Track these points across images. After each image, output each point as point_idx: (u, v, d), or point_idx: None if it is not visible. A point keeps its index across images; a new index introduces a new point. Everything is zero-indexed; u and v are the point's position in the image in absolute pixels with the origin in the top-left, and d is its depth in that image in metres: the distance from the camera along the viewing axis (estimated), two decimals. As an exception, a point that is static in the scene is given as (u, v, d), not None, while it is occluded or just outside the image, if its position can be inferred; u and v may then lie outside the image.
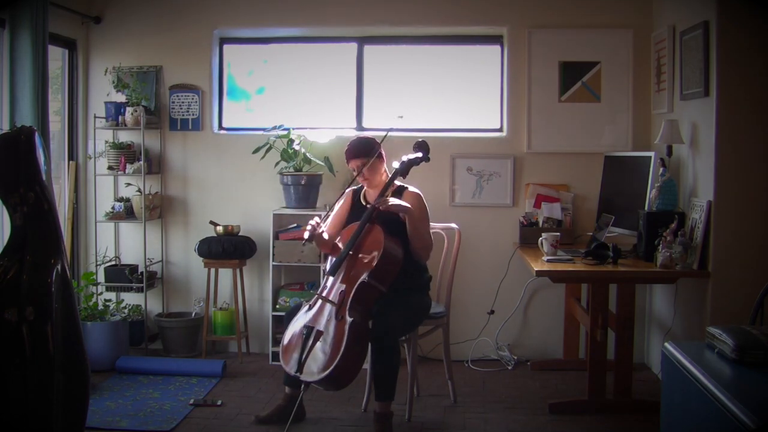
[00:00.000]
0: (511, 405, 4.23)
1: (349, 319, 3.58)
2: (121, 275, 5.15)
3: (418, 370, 4.20)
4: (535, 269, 3.99)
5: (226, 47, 5.40)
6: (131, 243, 5.33)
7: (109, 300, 5.11)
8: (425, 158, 3.97)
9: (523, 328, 5.12)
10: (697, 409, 2.09)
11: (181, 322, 5.14)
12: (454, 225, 4.35)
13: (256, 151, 4.99)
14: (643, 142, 4.93)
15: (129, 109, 5.10)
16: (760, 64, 3.87)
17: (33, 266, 2.97)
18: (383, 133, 4.13)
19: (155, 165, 5.29)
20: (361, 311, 3.65)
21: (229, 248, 4.95)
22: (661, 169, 4.21)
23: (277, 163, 5.03)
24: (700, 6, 4.07)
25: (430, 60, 5.33)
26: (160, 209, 5.31)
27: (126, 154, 5.18)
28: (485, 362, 5.03)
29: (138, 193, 5.16)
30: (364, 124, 5.30)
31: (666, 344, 2.41)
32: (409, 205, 3.82)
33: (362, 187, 4.10)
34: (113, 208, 5.19)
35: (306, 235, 3.81)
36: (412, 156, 3.94)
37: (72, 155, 5.28)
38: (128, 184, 5.26)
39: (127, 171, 5.15)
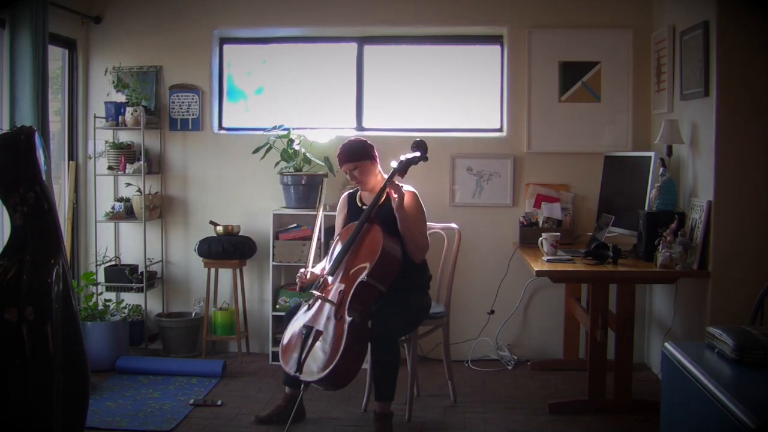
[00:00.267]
0: (511, 405, 4.23)
1: (348, 319, 3.57)
2: (121, 275, 5.15)
3: (418, 370, 4.20)
4: (535, 269, 3.99)
5: (226, 47, 5.40)
6: (131, 243, 5.34)
7: (109, 300, 5.11)
8: (423, 157, 3.97)
9: (523, 328, 5.12)
10: (697, 409, 2.09)
11: (181, 322, 5.14)
12: (454, 225, 4.35)
13: (256, 151, 4.99)
14: (643, 142, 4.93)
15: (129, 109, 5.10)
16: (760, 64, 3.87)
17: (33, 266, 2.97)
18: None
19: (155, 165, 5.29)
20: (360, 311, 3.65)
21: (229, 248, 4.95)
22: (661, 169, 4.21)
23: (277, 163, 5.03)
24: (700, 6, 4.07)
25: (430, 60, 5.33)
26: (160, 209, 5.31)
27: (126, 154, 5.18)
28: (485, 362, 5.03)
29: (138, 193, 5.16)
30: (364, 124, 5.30)
31: (666, 344, 2.41)
32: (403, 201, 3.81)
33: (357, 189, 4.10)
34: (113, 208, 5.19)
35: (297, 289, 3.93)
36: (410, 155, 3.95)
37: (72, 155, 5.28)
38: (128, 184, 5.26)
39: (127, 171, 5.15)
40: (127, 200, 5.23)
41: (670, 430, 2.36)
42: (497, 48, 5.20)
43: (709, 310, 3.95)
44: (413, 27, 5.19)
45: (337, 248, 3.93)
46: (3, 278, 2.93)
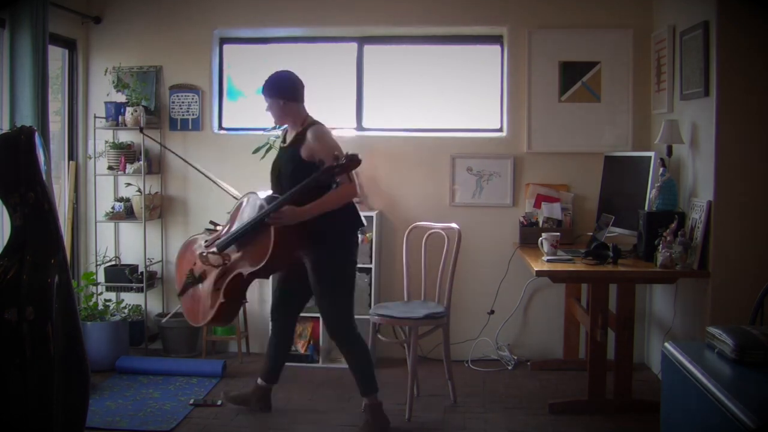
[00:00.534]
0: (511, 405, 4.23)
1: (221, 299, 3.69)
2: (121, 275, 5.15)
3: (418, 370, 4.19)
4: (535, 269, 3.99)
5: (225, 47, 5.40)
6: (131, 243, 5.34)
7: (109, 300, 5.11)
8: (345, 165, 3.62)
9: (523, 328, 5.12)
10: (697, 409, 2.09)
11: (181, 322, 5.12)
12: (454, 225, 4.35)
13: (256, 151, 4.99)
14: (643, 142, 4.93)
15: (129, 109, 5.10)
16: (760, 64, 3.87)
17: (33, 266, 2.97)
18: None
19: (155, 165, 5.29)
20: (236, 294, 3.78)
21: (229, 248, 4.94)
22: (661, 169, 4.21)
23: (277, 163, 5.02)
24: (700, 6, 4.07)
25: (430, 60, 5.33)
26: (160, 209, 5.31)
27: (126, 154, 5.18)
28: (485, 362, 5.03)
29: (138, 193, 5.16)
30: (364, 124, 5.30)
31: (666, 344, 2.41)
32: (289, 214, 3.56)
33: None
34: (113, 208, 5.19)
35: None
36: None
37: (72, 155, 5.28)
38: (128, 184, 5.26)
39: (127, 171, 5.15)
40: (127, 200, 5.23)
41: (670, 430, 2.36)
42: (497, 48, 5.20)
43: (709, 310, 3.95)
44: (413, 27, 5.19)
45: (235, 222, 3.86)
46: (3, 278, 2.93)
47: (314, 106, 5.31)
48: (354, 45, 5.29)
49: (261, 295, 5.24)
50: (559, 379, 4.69)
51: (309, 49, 5.40)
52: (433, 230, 4.41)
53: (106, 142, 5.23)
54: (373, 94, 5.31)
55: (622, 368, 4.06)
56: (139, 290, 5.15)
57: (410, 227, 4.51)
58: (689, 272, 3.97)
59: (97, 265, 5.23)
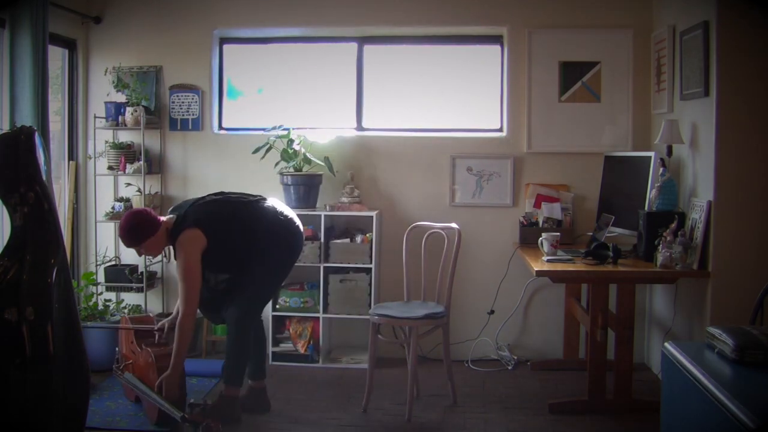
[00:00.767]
0: (511, 405, 4.23)
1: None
2: (121, 275, 5.15)
3: (418, 370, 4.19)
4: (535, 269, 3.99)
5: (225, 47, 5.40)
6: (131, 243, 5.33)
7: (109, 300, 5.11)
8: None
9: (523, 328, 5.12)
10: (697, 409, 2.09)
11: (181, 322, 5.13)
12: (454, 225, 4.35)
13: (256, 151, 4.99)
14: (643, 142, 4.93)
15: (129, 109, 5.10)
16: (760, 64, 3.87)
17: (33, 266, 2.98)
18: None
19: (155, 165, 5.29)
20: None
21: (229, 248, 4.94)
22: (661, 169, 4.21)
23: (277, 163, 5.03)
24: (700, 6, 4.07)
25: (430, 60, 5.33)
26: (160, 209, 5.30)
27: (126, 154, 5.19)
28: (485, 362, 5.03)
29: (138, 193, 5.16)
30: (364, 124, 5.30)
31: (666, 344, 2.41)
32: (173, 383, 3.75)
33: None
34: (113, 208, 5.19)
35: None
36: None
37: (72, 155, 5.28)
38: (128, 184, 5.26)
39: (127, 171, 5.15)
40: (127, 200, 5.23)
41: (670, 430, 2.36)
42: (497, 48, 5.20)
43: (709, 310, 3.95)
44: (413, 27, 5.19)
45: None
46: (3, 278, 2.93)
47: (314, 107, 5.36)
48: (354, 45, 5.29)
49: (261, 295, 5.24)
50: (559, 379, 4.69)
51: (309, 49, 5.40)
52: (433, 230, 4.41)
53: (106, 142, 5.24)
54: (373, 94, 5.31)
55: (622, 368, 4.06)
56: (139, 290, 5.14)
57: (410, 227, 4.51)
58: (689, 272, 3.97)
59: (97, 265, 5.23)
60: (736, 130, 3.90)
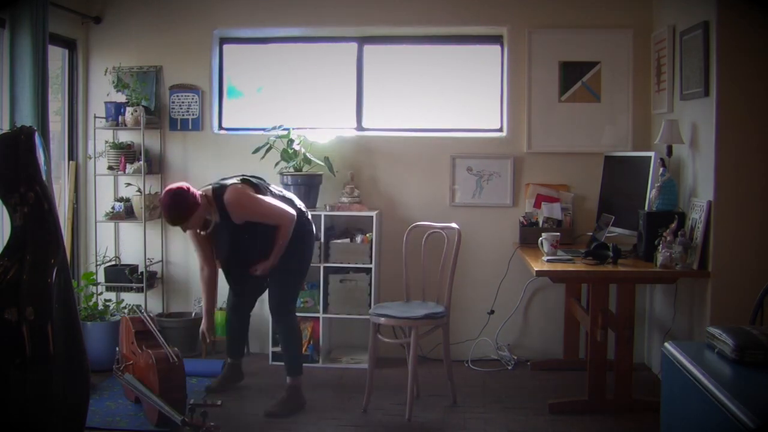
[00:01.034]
0: (511, 405, 4.23)
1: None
2: (121, 275, 5.15)
3: (418, 370, 4.19)
4: (535, 269, 3.99)
5: (225, 47, 5.40)
6: (131, 243, 5.33)
7: (109, 300, 5.11)
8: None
9: (523, 328, 5.12)
10: (697, 409, 2.09)
11: (181, 322, 5.14)
12: (454, 225, 4.35)
13: (256, 151, 4.99)
14: (643, 142, 4.93)
15: (129, 109, 5.10)
16: (760, 64, 3.87)
17: (33, 266, 2.98)
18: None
19: (155, 165, 5.29)
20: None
21: (229, 248, 4.94)
22: (661, 169, 4.20)
23: (277, 163, 5.03)
24: (700, 6, 4.07)
25: (430, 60, 5.33)
26: (160, 209, 5.30)
27: (126, 154, 5.18)
28: (485, 362, 5.03)
29: (138, 193, 5.16)
30: (364, 124, 5.30)
31: (666, 344, 2.41)
32: (271, 261, 4.03)
33: None
34: (113, 208, 5.19)
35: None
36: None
37: (72, 155, 5.28)
38: (128, 184, 5.26)
39: (127, 171, 5.15)
40: (127, 200, 5.23)
41: (670, 430, 2.36)
42: (497, 48, 5.20)
43: (709, 310, 3.95)
44: (413, 27, 5.19)
45: None
46: (3, 278, 2.93)
47: (314, 107, 5.36)
48: (354, 45, 5.29)
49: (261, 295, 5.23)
50: (559, 379, 4.69)
51: (309, 49, 5.40)
52: (433, 230, 4.41)
53: (106, 142, 5.23)
54: (373, 94, 5.31)
55: (622, 368, 4.06)
56: (139, 290, 5.14)
57: (410, 227, 4.51)
58: (689, 272, 3.97)
59: (97, 265, 5.23)
60: (736, 130, 3.90)
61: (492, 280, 5.02)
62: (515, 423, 3.96)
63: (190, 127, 5.29)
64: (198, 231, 4.06)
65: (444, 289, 4.30)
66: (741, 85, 3.88)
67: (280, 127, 5.08)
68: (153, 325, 4.16)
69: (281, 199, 4.11)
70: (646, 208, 4.23)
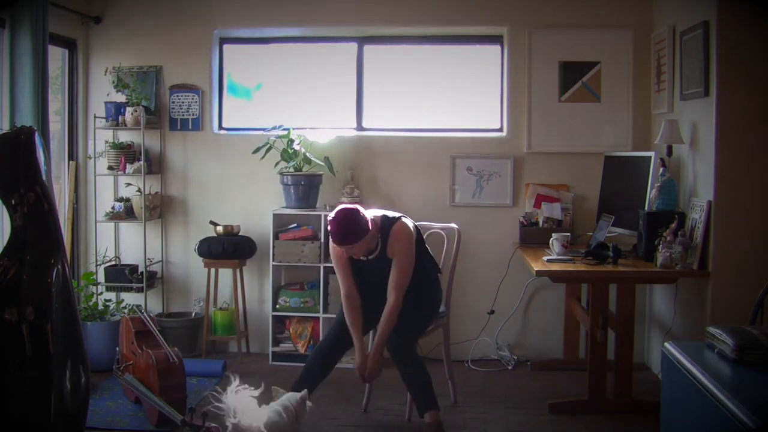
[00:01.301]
0: (511, 405, 4.23)
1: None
2: (121, 275, 5.15)
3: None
4: (535, 269, 3.99)
5: (225, 47, 5.40)
6: (131, 243, 5.33)
7: (109, 300, 5.11)
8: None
9: (523, 328, 5.11)
10: (697, 409, 2.09)
11: (181, 322, 5.14)
12: (454, 225, 4.34)
13: (256, 151, 4.99)
14: (643, 142, 4.93)
15: (129, 109, 5.10)
16: (760, 64, 3.87)
17: (33, 266, 2.97)
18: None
19: (155, 165, 5.29)
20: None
21: (229, 248, 4.95)
22: (661, 169, 4.21)
23: (277, 163, 5.03)
24: (700, 6, 4.07)
25: (430, 60, 5.33)
26: (160, 209, 5.31)
27: (126, 154, 5.18)
28: (485, 362, 5.03)
29: (138, 193, 5.16)
30: (364, 124, 5.30)
31: (666, 344, 2.41)
32: (375, 364, 3.74)
33: None
34: (113, 208, 5.19)
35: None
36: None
37: (72, 155, 5.28)
38: (128, 184, 5.26)
39: (127, 171, 5.15)
40: (127, 200, 5.23)
41: (670, 430, 2.36)
42: (497, 48, 5.20)
43: (709, 310, 3.95)
44: (413, 27, 5.19)
45: None
46: (3, 278, 2.93)
47: (314, 106, 5.36)
48: (354, 45, 5.29)
49: (261, 295, 5.25)
50: (559, 379, 4.69)
51: (309, 49, 5.40)
52: (432, 230, 4.41)
53: (106, 142, 5.23)
54: (373, 94, 5.31)
55: (622, 368, 4.06)
56: (139, 290, 5.14)
57: (410, 227, 4.50)
58: (689, 272, 3.97)
59: (97, 265, 5.23)
60: (736, 130, 3.90)
61: (492, 280, 5.02)
62: (515, 423, 3.96)
63: (190, 127, 5.29)
64: (357, 257, 3.79)
65: (444, 289, 4.29)
66: (741, 85, 3.88)
67: (280, 127, 5.08)
68: (153, 325, 4.15)
69: (424, 252, 3.93)
70: (646, 208, 4.23)
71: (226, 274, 5.15)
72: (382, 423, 3.97)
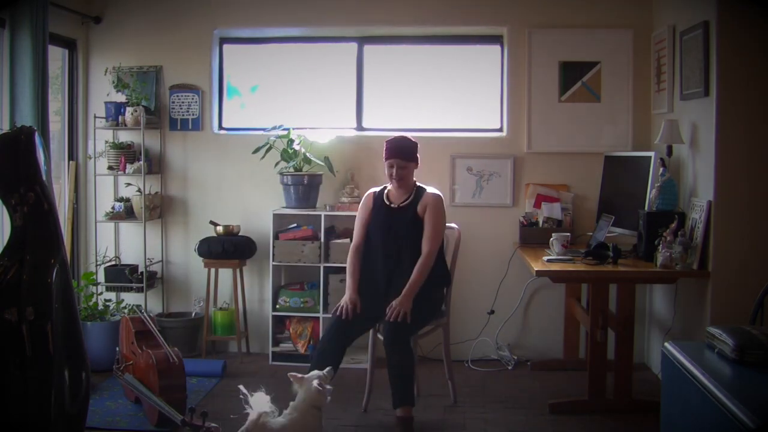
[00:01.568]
0: (511, 405, 4.23)
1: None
2: (121, 275, 5.15)
3: (418, 370, 4.19)
4: (535, 269, 3.99)
5: (225, 47, 5.40)
6: (131, 243, 5.33)
7: (109, 300, 5.11)
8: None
9: (523, 328, 5.11)
10: (697, 409, 2.09)
11: (181, 322, 5.14)
12: (454, 225, 4.35)
13: (256, 151, 4.99)
14: (643, 142, 4.93)
15: (129, 109, 5.10)
16: (760, 64, 3.87)
17: (33, 266, 2.97)
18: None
19: (155, 165, 5.29)
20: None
21: (229, 248, 4.95)
22: (661, 169, 4.21)
23: (277, 163, 5.03)
24: (700, 6, 4.07)
25: (430, 60, 5.32)
26: (160, 209, 5.31)
27: (126, 154, 5.18)
28: (485, 362, 5.03)
29: (138, 193, 5.16)
30: (364, 124, 5.30)
31: (666, 344, 2.41)
32: (406, 305, 3.83)
33: (383, 188, 4.16)
34: (113, 208, 5.19)
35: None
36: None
37: (72, 155, 5.28)
38: (128, 184, 5.26)
39: (127, 171, 5.15)
40: (127, 200, 5.23)
41: (670, 430, 2.36)
42: (497, 48, 5.20)
43: (709, 310, 3.95)
44: (413, 27, 5.19)
45: None
46: (3, 278, 2.93)
47: (314, 106, 5.36)
48: (354, 45, 5.29)
49: (261, 295, 5.25)
50: (559, 379, 4.69)
51: (309, 49, 5.40)
52: (433, 230, 4.40)
53: (106, 142, 5.23)
54: (373, 94, 5.31)
55: (622, 368, 4.06)
56: (139, 290, 5.14)
57: (410, 227, 4.50)
58: (689, 272, 3.97)
59: (97, 265, 5.23)
60: (736, 130, 3.89)
61: (492, 280, 5.02)
62: (515, 423, 3.96)
63: (190, 127, 5.29)
64: (397, 180, 4.04)
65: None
66: (741, 85, 3.88)
67: (280, 127, 5.08)
68: (153, 325, 4.15)
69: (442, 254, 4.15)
70: (646, 208, 4.23)
71: (226, 274, 5.16)
72: (382, 423, 3.97)
